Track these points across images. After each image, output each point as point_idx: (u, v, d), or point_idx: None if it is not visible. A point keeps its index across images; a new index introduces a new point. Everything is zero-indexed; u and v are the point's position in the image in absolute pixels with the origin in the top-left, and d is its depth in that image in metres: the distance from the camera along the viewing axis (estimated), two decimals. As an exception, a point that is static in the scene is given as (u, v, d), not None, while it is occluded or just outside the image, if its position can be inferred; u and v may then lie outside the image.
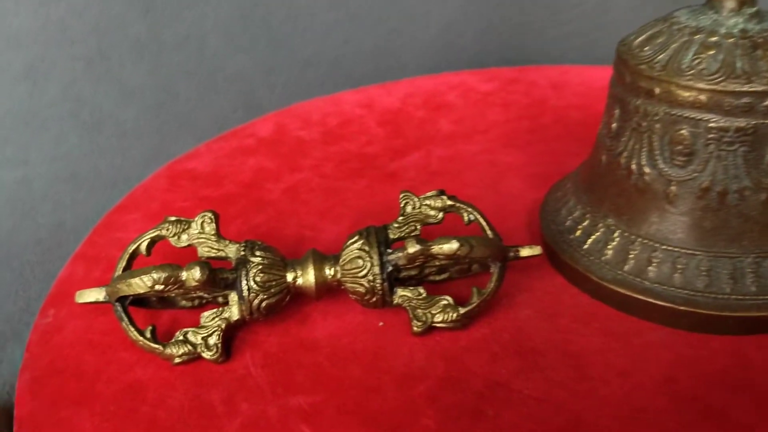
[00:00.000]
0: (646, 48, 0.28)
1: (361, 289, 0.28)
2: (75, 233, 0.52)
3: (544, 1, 0.55)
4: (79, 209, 0.52)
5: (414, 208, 0.29)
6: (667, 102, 0.28)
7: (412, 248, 0.26)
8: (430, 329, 0.28)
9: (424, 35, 0.56)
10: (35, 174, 0.52)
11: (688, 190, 0.28)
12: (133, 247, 0.29)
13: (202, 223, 0.29)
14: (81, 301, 0.28)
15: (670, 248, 0.29)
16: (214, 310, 0.28)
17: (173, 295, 0.28)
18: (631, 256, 0.29)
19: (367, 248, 0.28)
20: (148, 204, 0.38)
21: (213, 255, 0.29)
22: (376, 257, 0.27)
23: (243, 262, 0.27)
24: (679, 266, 0.28)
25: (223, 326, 0.27)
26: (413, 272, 0.30)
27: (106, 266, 0.33)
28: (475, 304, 0.28)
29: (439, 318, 0.28)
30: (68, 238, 0.51)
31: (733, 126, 0.27)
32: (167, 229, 0.29)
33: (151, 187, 0.40)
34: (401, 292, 0.28)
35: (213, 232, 0.29)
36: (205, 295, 0.29)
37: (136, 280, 0.26)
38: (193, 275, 0.25)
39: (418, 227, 0.29)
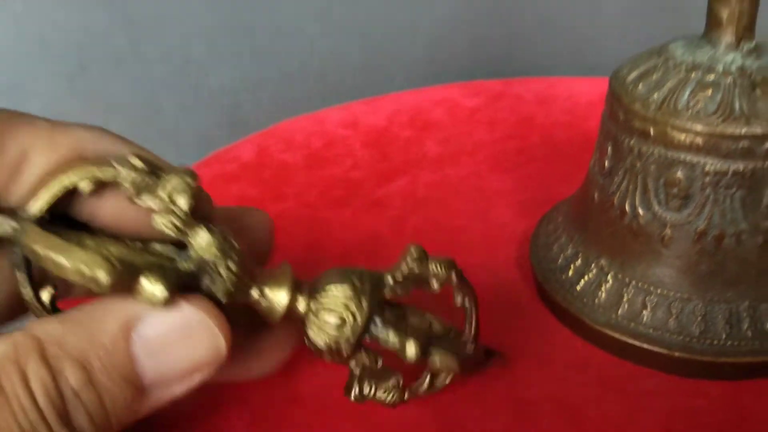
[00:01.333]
0: (641, 85, 0.28)
1: (321, 342, 0.23)
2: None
3: (532, 12, 0.54)
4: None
5: (418, 270, 0.24)
6: (662, 143, 0.27)
7: (411, 352, 0.23)
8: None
9: (412, 47, 0.55)
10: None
11: (683, 233, 0.27)
12: (72, 179, 0.20)
13: (171, 191, 0.21)
14: None
15: (665, 292, 0.28)
16: None
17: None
18: (624, 299, 0.28)
19: (353, 307, 0.23)
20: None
21: (170, 234, 0.21)
22: (360, 319, 0.23)
23: (207, 269, 0.21)
24: (674, 311, 0.28)
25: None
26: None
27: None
28: (418, 393, 0.24)
29: (380, 395, 0.24)
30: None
31: (731, 169, 0.26)
32: (126, 176, 0.20)
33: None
34: (359, 355, 0.24)
35: (184, 209, 0.21)
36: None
37: (59, 257, 0.19)
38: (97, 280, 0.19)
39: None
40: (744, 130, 0.25)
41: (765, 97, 0.26)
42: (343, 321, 0.23)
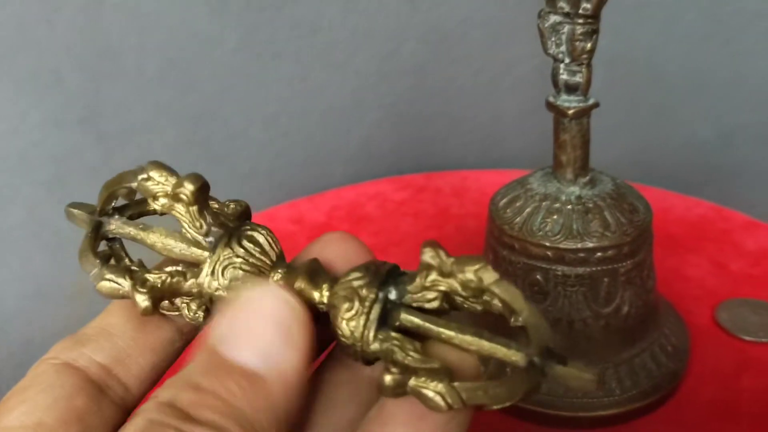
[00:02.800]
0: (508, 210, 0.37)
1: (339, 332, 0.19)
2: (44, 348, 0.57)
3: (445, 115, 0.64)
4: (46, 324, 0.58)
5: (441, 275, 0.19)
6: (524, 255, 0.36)
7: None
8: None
9: (347, 147, 0.64)
10: (5, 293, 0.58)
11: (547, 319, 0.36)
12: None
13: (178, 194, 0.21)
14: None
15: (536, 364, 0.37)
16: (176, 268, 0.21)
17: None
18: (508, 370, 0.37)
19: (364, 291, 0.19)
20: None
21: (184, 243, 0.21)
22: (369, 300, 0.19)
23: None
24: (543, 378, 0.37)
25: (166, 283, 0.21)
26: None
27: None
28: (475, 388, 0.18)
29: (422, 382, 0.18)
30: (38, 355, 0.57)
31: (573, 273, 0.35)
32: (154, 181, 0.22)
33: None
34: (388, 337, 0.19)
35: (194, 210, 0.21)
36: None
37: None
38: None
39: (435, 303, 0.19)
40: (580, 245, 0.35)
41: (595, 219, 0.35)
42: (353, 303, 0.19)
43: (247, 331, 0.18)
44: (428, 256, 0.19)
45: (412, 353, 0.19)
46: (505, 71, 0.62)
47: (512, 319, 0.19)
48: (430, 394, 0.18)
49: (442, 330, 0.19)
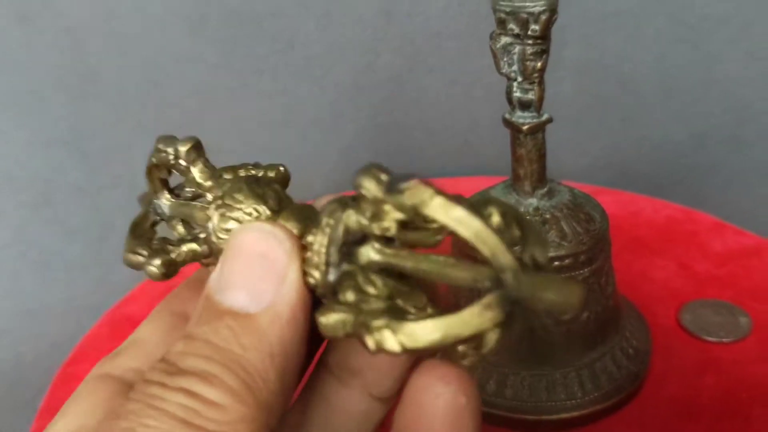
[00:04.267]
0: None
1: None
2: (34, 366, 0.59)
3: (422, 124, 0.65)
4: (35, 342, 0.60)
5: (374, 203, 0.17)
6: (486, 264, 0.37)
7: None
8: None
9: (326, 159, 0.66)
10: (-6, 311, 0.59)
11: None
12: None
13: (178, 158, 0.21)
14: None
15: (502, 369, 0.38)
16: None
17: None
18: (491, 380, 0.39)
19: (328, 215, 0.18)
20: (96, 354, 0.46)
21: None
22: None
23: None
24: (508, 383, 0.38)
25: (177, 257, 0.21)
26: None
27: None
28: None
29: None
30: (28, 372, 0.59)
31: (533, 282, 0.37)
32: (163, 153, 0.22)
33: (95, 337, 0.48)
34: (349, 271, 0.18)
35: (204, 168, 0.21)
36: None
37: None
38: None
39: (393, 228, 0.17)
40: (538, 255, 0.36)
41: (552, 230, 0.37)
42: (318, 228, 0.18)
43: (236, 272, 0.18)
44: (362, 184, 0.17)
45: (368, 288, 0.17)
46: (477, 81, 0.64)
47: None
48: (366, 336, 0.16)
49: (398, 261, 0.17)
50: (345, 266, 0.18)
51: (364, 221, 0.17)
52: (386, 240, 0.18)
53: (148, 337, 0.21)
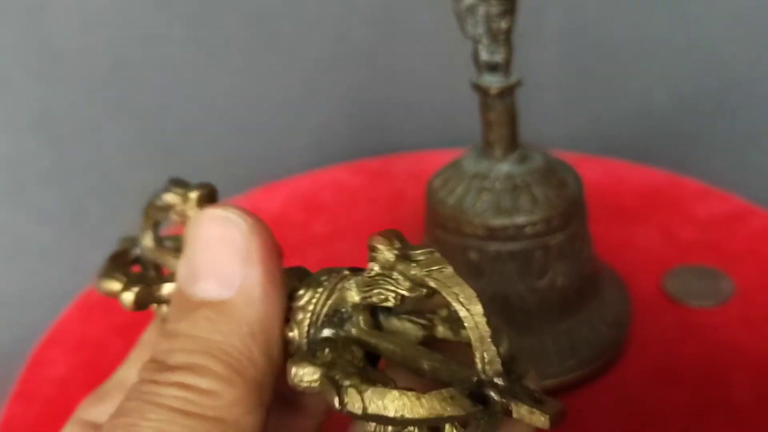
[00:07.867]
0: (441, 191, 0.37)
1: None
2: (8, 354, 0.58)
3: (400, 97, 0.64)
4: (10, 329, 0.59)
5: (383, 268, 0.18)
6: (457, 234, 0.36)
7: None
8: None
9: (301, 136, 0.64)
10: (-34, 299, 0.58)
11: (483, 296, 0.37)
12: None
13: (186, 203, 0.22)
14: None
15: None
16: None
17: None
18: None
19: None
20: (68, 338, 0.45)
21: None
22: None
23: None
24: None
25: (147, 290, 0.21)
26: None
27: (43, 402, 0.40)
28: None
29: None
30: (3, 358, 0.57)
31: (505, 250, 0.36)
32: (171, 195, 0.22)
33: (68, 321, 0.47)
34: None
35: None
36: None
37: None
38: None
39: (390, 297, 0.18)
40: (509, 222, 0.35)
41: (524, 196, 0.35)
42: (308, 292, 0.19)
43: (200, 262, 0.19)
44: (376, 246, 0.18)
45: (345, 354, 0.18)
46: (455, 50, 0.62)
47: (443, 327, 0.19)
48: (333, 392, 0.17)
49: (379, 345, 0.19)
50: (327, 332, 0.19)
51: (364, 293, 0.19)
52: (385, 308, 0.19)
53: (132, 379, 0.21)
